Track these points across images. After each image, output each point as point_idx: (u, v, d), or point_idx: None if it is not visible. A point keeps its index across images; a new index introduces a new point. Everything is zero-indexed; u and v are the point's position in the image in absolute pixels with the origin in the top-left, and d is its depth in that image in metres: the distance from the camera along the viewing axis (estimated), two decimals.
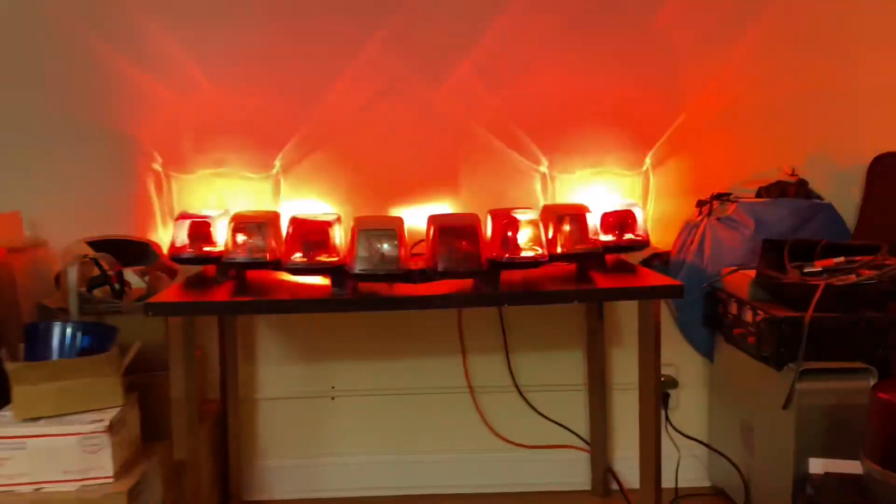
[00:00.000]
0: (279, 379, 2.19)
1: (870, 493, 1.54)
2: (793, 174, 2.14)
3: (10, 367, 1.60)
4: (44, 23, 2.03)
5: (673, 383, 2.20)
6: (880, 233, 2.07)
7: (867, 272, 1.80)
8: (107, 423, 1.60)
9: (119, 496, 1.58)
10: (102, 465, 1.60)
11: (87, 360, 1.65)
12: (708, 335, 2.16)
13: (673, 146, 2.16)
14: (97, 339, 1.72)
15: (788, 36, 2.14)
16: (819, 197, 2.14)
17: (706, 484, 2.22)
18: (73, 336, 1.70)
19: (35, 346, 1.68)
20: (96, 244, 1.96)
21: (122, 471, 1.63)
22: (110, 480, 1.60)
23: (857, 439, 1.60)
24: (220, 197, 2.10)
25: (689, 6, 2.11)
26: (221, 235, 1.86)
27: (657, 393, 1.78)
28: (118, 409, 1.66)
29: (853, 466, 1.61)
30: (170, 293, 1.72)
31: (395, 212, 2.07)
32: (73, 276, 1.80)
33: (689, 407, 2.22)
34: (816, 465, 1.72)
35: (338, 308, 1.80)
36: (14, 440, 1.58)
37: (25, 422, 1.60)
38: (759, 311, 1.82)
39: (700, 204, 2.14)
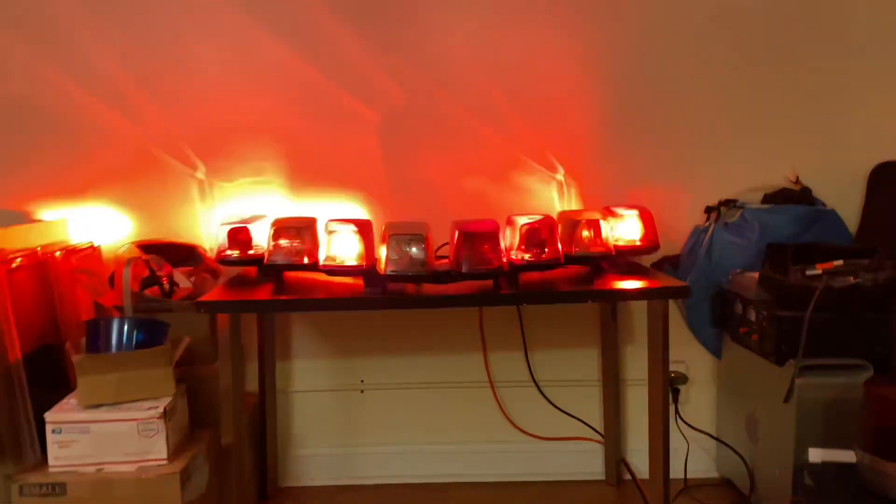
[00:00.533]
0: (312, 373, 2.35)
1: (862, 480, 1.66)
2: (797, 182, 2.27)
3: (76, 359, 1.76)
4: (106, 40, 2.21)
5: (683, 379, 2.33)
6: (880, 237, 2.18)
7: (864, 274, 1.92)
8: (161, 410, 1.77)
9: (173, 477, 1.74)
10: (157, 448, 1.77)
11: (144, 353, 1.82)
12: (716, 334, 2.28)
13: (682, 155, 2.29)
14: (150, 333, 1.88)
15: (792, 51, 2.25)
16: (822, 203, 2.25)
17: (714, 475, 2.34)
18: (129, 331, 1.86)
19: (95, 340, 1.84)
20: (146, 247, 2.12)
21: (174, 454, 1.79)
22: (164, 462, 1.76)
23: (853, 430, 1.72)
24: (258, 203, 2.26)
25: (688, 15, 2.24)
26: (261, 239, 2.02)
27: (665, 388, 1.91)
28: (171, 397, 1.82)
29: (848, 455, 1.72)
30: (217, 293, 1.88)
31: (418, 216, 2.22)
32: (127, 276, 1.96)
33: (699, 401, 2.34)
34: (815, 455, 1.82)
35: (372, 306, 1.95)
36: (79, 424, 1.75)
37: (89, 408, 1.77)
38: (763, 311, 1.95)
39: (708, 210, 2.27)
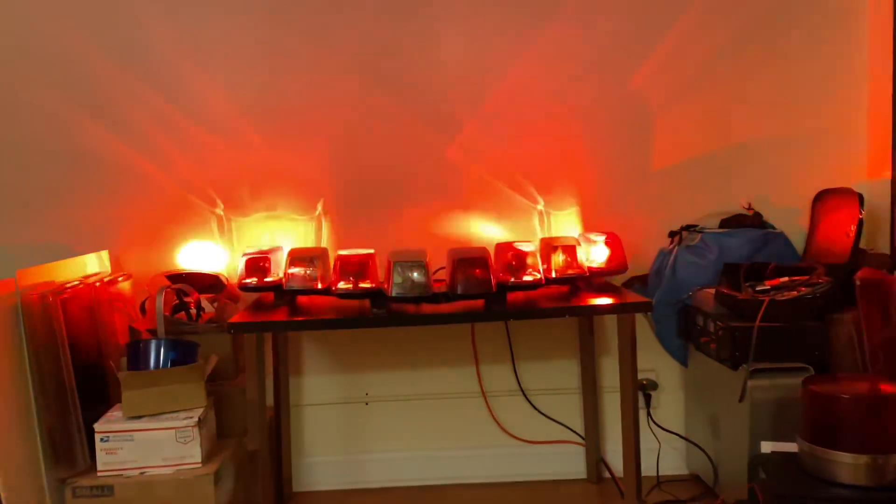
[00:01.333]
0: (322, 387, 2.60)
1: (804, 466, 1.93)
2: (749, 208, 2.56)
3: (121, 376, 2.01)
4: (139, 97, 2.48)
5: (654, 385, 2.60)
6: (823, 256, 2.47)
7: (805, 289, 2.21)
8: (196, 419, 2.01)
9: (208, 478, 1.99)
10: (193, 453, 2.01)
11: (179, 370, 2.07)
12: (681, 344, 2.55)
13: (651, 188, 2.59)
14: (182, 352, 2.13)
15: (743, 91, 2.57)
16: (772, 227, 2.54)
17: (685, 472, 2.61)
18: (165, 351, 2.10)
19: (136, 359, 2.09)
20: (174, 277, 2.38)
21: (207, 458, 2.03)
22: (199, 466, 2.01)
23: (797, 424, 1.99)
24: (272, 235, 2.53)
25: (659, 70, 2.55)
26: (276, 267, 2.28)
27: (635, 393, 2.18)
28: (203, 408, 2.06)
29: (793, 446, 2.00)
30: (241, 316, 2.14)
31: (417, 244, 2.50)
32: (160, 302, 2.21)
33: (669, 405, 2.62)
34: (766, 447, 2.09)
35: (380, 324, 2.21)
36: (124, 433, 1.99)
37: (132, 419, 2.01)
38: (719, 322, 2.23)
39: (671, 234, 2.56)
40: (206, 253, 2.51)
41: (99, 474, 1.98)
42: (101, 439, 1.99)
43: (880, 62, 2.50)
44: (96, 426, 1.99)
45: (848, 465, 1.83)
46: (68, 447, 1.98)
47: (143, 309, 2.38)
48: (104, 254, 2.46)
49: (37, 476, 1.93)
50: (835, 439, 1.85)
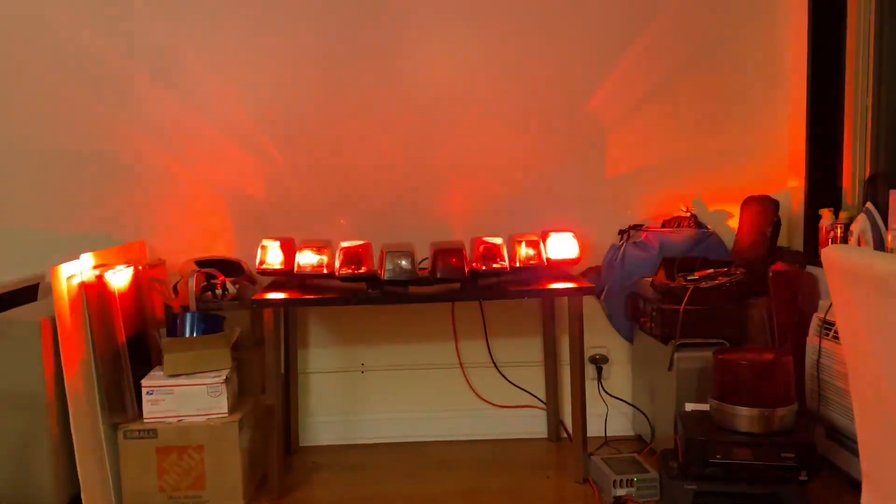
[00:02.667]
0: (324, 358, 3.06)
1: (714, 419, 2.40)
2: (687, 211, 3.02)
3: (163, 341, 2.47)
4: (164, 103, 2.93)
5: (605, 359, 3.07)
6: (747, 252, 2.94)
7: (724, 279, 2.68)
8: (223, 377, 2.47)
9: (233, 425, 2.45)
10: (221, 405, 2.47)
11: (210, 338, 2.52)
12: (628, 325, 3.03)
13: (603, 193, 3.06)
14: (211, 324, 2.59)
15: (685, 116, 3.03)
16: (706, 227, 3.01)
17: (630, 433, 3.08)
18: (197, 323, 2.56)
19: (174, 329, 2.54)
20: (202, 262, 2.84)
21: (232, 410, 2.49)
22: (226, 415, 2.46)
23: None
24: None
25: (612, 93, 3.01)
26: (288, 256, 2.74)
27: (582, 363, 2.64)
28: (228, 370, 2.52)
29: (707, 405, 2.47)
30: (262, 295, 2.59)
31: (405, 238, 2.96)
32: (192, 283, 2.67)
33: (617, 376, 3.09)
34: (689, 407, 2.56)
35: (375, 302, 2.66)
36: (165, 388, 2.45)
37: (171, 377, 2.47)
38: (654, 306, 2.70)
39: (621, 232, 3.02)
40: (228, 241, 2.96)
41: (145, 420, 2.44)
42: (147, 392, 2.44)
43: (798, 90, 2.96)
44: (143, 382, 2.45)
45: (745, 417, 2.30)
46: (120, 399, 2.44)
47: (175, 290, 2.83)
48: (141, 243, 2.91)
49: (96, 422, 2.38)
50: (735, 397, 2.33)
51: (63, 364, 2.22)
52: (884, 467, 1.53)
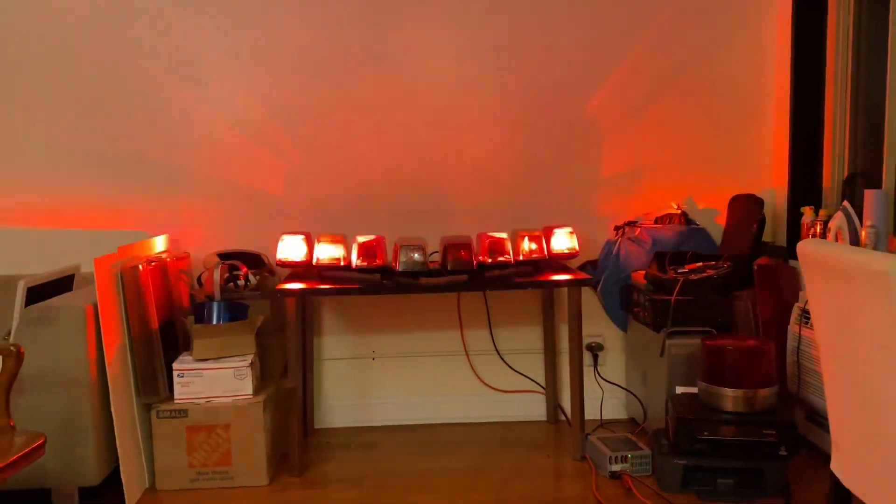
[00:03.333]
0: (338, 345, 3.25)
1: (702, 400, 2.61)
2: (678, 208, 3.23)
3: (193, 328, 2.66)
4: (190, 109, 3.11)
5: (600, 347, 3.28)
6: (734, 247, 3.15)
7: (711, 272, 2.89)
8: (249, 361, 2.66)
9: (257, 405, 2.64)
10: (246, 387, 2.66)
11: (236, 325, 2.71)
12: (623, 314, 3.24)
13: (600, 191, 3.26)
14: (236, 312, 2.77)
15: (678, 120, 3.23)
16: (696, 223, 3.21)
17: (624, 416, 3.29)
18: (224, 311, 2.75)
19: (202, 316, 2.73)
20: (224, 255, 3.02)
21: (256, 392, 2.68)
22: (251, 396, 2.65)
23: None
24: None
25: (609, 97, 3.21)
26: (307, 249, 2.93)
27: (580, 350, 2.84)
28: (252, 354, 2.71)
29: (696, 388, 2.68)
30: (283, 285, 2.78)
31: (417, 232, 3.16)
32: (217, 275, 2.86)
33: (613, 363, 3.30)
34: (679, 390, 2.77)
35: (390, 292, 2.84)
36: (195, 371, 2.64)
37: (200, 360, 2.66)
38: (646, 296, 2.90)
39: (617, 228, 3.22)
40: (249, 235, 3.15)
41: (176, 401, 2.63)
42: (178, 375, 2.63)
43: (782, 96, 3.17)
44: (174, 365, 2.64)
45: (730, 398, 2.51)
46: (153, 380, 2.62)
47: (199, 281, 3.01)
48: (166, 237, 3.10)
49: (131, 401, 2.57)
50: (722, 379, 2.54)
51: (104, 347, 2.41)
52: (847, 433, 1.74)
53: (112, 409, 2.43)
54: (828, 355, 1.76)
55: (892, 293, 1.40)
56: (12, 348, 2.04)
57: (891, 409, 1.50)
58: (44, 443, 2.00)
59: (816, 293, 1.75)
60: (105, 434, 2.45)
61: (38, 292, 2.52)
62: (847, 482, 1.76)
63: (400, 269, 2.71)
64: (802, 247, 1.76)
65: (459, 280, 2.77)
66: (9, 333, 2.52)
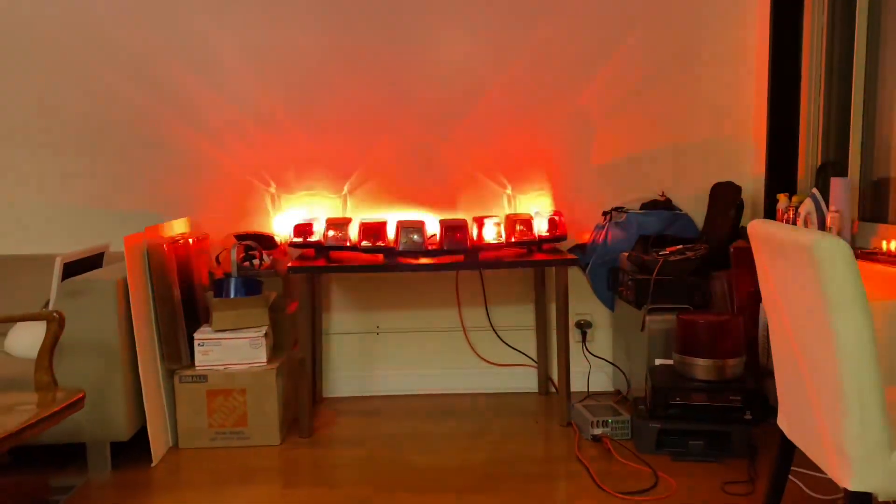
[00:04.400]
0: (344, 321, 3.51)
1: (677, 370, 2.85)
2: (662, 195, 3.45)
3: (212, 301, 2.92)
4: (210, 99, 3.37)
5: (589, 324, 3.52)
6: (714, 231, 3.37)
7: (690, 254, 3.12)
8: (263, 332, 2.92)
9: (271, 372, 2.90)
10: (260, 356, 2.92)
11: (250, 299, 2.97)
12: (610, 295, 3.47)
13: (590, 179, 3.48)
14: (251, 288, 3.03)
15: (663, 111, 3.45)
16: (679, 209, 3.43)
17: (610, 388, 3.53)
18: (240, 286, 3.00)
19: (220, 290, 2.99)
20: (240, 236, 3.28)
21: (269, 360, 2.94)
22: (265, 364, 2.91)
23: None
24: (311, 208, 3.43)
25: (600, 90, 3.43)
26: (316, 231, 3.18)
27: (566, 326, 3.07)
28: (266, 326, 2.97)
29: (672, 360, 2.91)
30: (295, 264, 3.03)
31: (417, 216, 3.40)
32: (234, 254, 3.11)
33: (601, 339, 3.53)
34: (658, 362, 3.01)
35: (391, 270, 3.09)
36: (214, 340, 2.90)
37: (219, 331, 2.92)
38: (629, 276, 3.14)
39: (605, 213, 3.45)
40: (263, 219, 3.41)
41: (197, 368, 2.89)
42: (199, 344, 2.90)
43: (761, 91, 3.38)
44: (195, 335, 2.90)
45: (701, 367, 2.75)
46: (176, 349, 2.89)
47: (217, 260, 3.27)
48: (187, 219, 3.36)
49: (156, 368, 2.84)
50: (694, 350, 2.77)
51: (133, 318, 2.68)
52: (786, 390, 1.98)
53: (140, 374, 2.70)
54: (772, 321, 1.99)
55: (815, 264, 1.63)
56: (55, 314, 2.31)
57: (814, 365, 1.74)
58: (83, 397, 2.26)
59: (763, 266, 1.98)
60: (134, 396, 2.71)
61: (73, 268, 2.79)
62: (789, 434, 2.00)
63: (400, 249, 2.95)
64: (752, 226, 2.00)
65: (455, 260, 3.01)
66: (47, 304, 2.80)
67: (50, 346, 2.31)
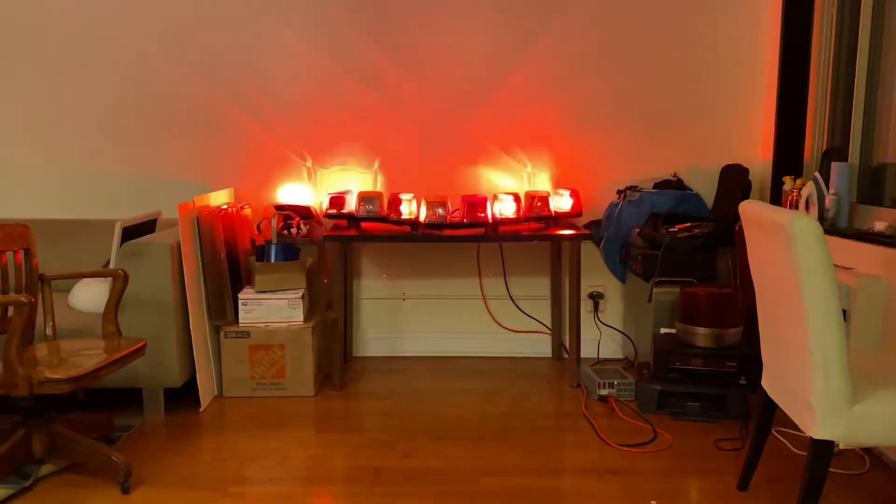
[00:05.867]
0: (373, 287, 3.79)
1: (679, 338, 3.08)
2: (674, 175, 3.65)
3: (255, 265, 3.21)
4: (252, 77, 3.64)
5: (601, 296, 3.75)
6: (723, 211, 3.57)
7: (697, 231, 3.33)
8: (301, 294, 3.21)
9: (308, 329, 3.19)
10: (298, 315, 3.21)
11: (289, 264, 3.25)
12: (622, 268, 3.69)
13: (604, 156, 3.70)
14: (289, 254, 3.31)
15: (676, 98, 3.64)
16: (690, 189, 3.63)
17: (620, 355, 3.78)
18: (279, 252, 3.29)
19: (262, 255, 3.28)
20: (280, 207, 3.56)
21: (305, 319, 3.24)
22: (302, 322, 3.20)
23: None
24: (345, 182, 3.69)
25: (618, 78, 3.64)
26: (349, 203, 3.44)
27: (579, 296, 3.31)
28: (303, 289, 3.26)
29: (675, 328, 3.15)
30: (329, 233, 3.30)
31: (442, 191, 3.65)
32: (274, 223, 3.39)
33: (612, 310, 3.77)
34: (662, 331, 3.24)
35: (418, 240, 3.34)
36: (256, 300, 3.19)
37: (261, 292, 3.21)
38: (639, 251, 3.36)
39: (619, 192, 3.67)
40: (300, 191, 3.69)
41: (241, 324, 3.19)
42: (243, 304, 3.19)
43: (771, 79, 3.55)
44: (239, 295, 3.20)
45: (702, 335, 2.98)
46: (222, 307, 3.19)
47: (258, 228, 3.56)
48: (231, 190, 3.65)
49: (204, 324, 3.15)
50: (695, 320, 3.00)
51: (185, 278, 2.98)
52: (768, 353, 2.21)
53: (191, 328, 3.00)
54: (758, 291, 2.22)
55: (789, 240, 1.85)
56: (120, 272, 2.61)
57: (789, 329, 1.97)
58: (145, 345, 2.57)
59: (751, 242, 2.21)
60: (185, 348, 3.02)
61: (130, 231, 3.09)
62: (771, 394, 2.24)
63: (425, 223, 3.21)
64: (742, 207, 2.22)
65: (476, 233, 3.26)
66: (107, 263, 3.11)
67: (116, 300, 2.61)
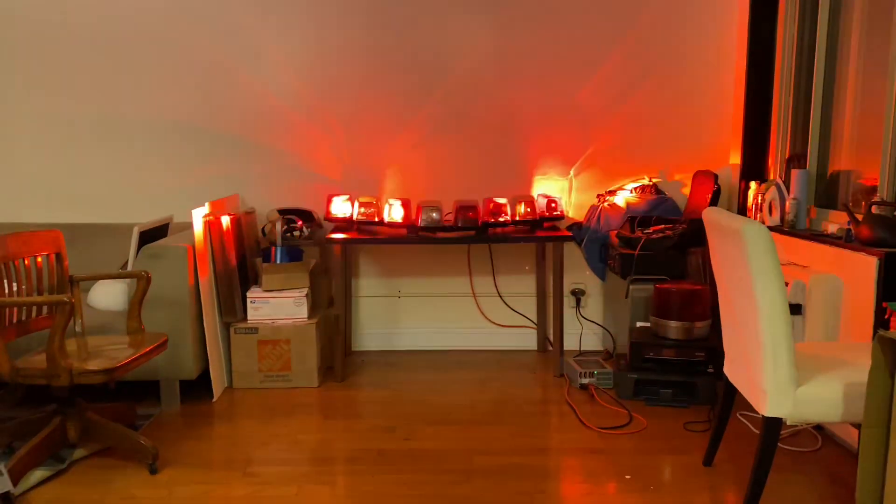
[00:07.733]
0: (371, 286, 4.05)
1: (652, 331, 3.36)
2: (650, 181, 3.95)
3: (262, 266, 3.46)
4: (284, 77, 3.88)
5: (583, 292, 4.03)
6: (694, 213, 3.86)
7: (669, 232, 3.62)
8: (305, 292, 3.46)
9: (312, 326, 3.44)
10: (302, 312, 3.46)
11: (294, 265, 3.50)
12: (602, 267, 3.98)
13: (586, 165, 3.98)
14: (294, 255, 3.57)
15: (652, 110, 3.93)
16: (665, 193, 3.93)
17: (600, 348, 4.06)
18: (284, 253, 3.54)
19: (267, 257, 3.53)
20: (283, 210, 3.81)
21: (309, 316, 3.49)
22: (306, 319, 3.46)
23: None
24: (345, 188, 3.95)
25: (597, 89, 3.91)
26: (348, 209, 3.70)
27: (562, 294, 3.60)
28: (307, 288, 3.51)
29: (651, 322, 3.43)
30: (330, 234, 3.56)
31: (433, 196, 3.91)
32: (278, 226, 3.64)
33: (593, 306, 4.06)
34: (638, 324, 3.52)
35: (413, 242, 3.60)
36: (264, 299, 3.44)
37: (268, 291, 3.46)
38: (616, 251, 3.65)
39: (599, 195, 3.96)
40: (303, 196, 3.93)
41: (249, 321, 3.44)
42: (251, 302, 3.44)
43: (739, 93, 3.84)
44: (248, 294, 3.45)
45: (674, 328, 3.27)
46: (231, 305, 3.44)
47: (263, 231, 3.81)
48: (236, 196, 3.89)
49: (216, 320, 3.39)
50: (667, 314, 3.29)
51: (199, 278, 3.22)
52: (729, 343, 2.50)
53: (204, 325, 3.25)
54: (720, 288, 2.51)
55: (741, 243, 2.14)
56: (144, 273, 2.85)
57: (744, 321, 2.26)
58: (167, 340, 2.81)
59: (713, 245, 2.49)
60: (199, 343, 3.26)
61: (144, 235, 3.33)
62: (731, 379, 2.52)
63: (421, 225, 3.47)
64: (705, 213, 2.50)
65: (468, 235, 3.53)
66: (124, 265, 3.35)
67: (140, 299, 2.86)
